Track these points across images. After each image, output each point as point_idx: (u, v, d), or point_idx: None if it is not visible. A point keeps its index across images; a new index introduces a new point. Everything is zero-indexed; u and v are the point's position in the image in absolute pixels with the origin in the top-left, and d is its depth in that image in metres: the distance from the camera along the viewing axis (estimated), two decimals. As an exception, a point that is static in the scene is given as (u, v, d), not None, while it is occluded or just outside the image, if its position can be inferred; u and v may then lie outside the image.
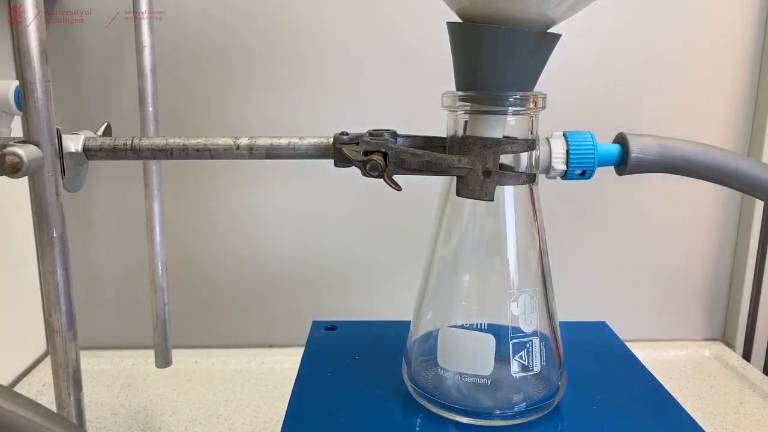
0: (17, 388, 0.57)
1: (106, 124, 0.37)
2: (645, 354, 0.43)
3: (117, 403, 0.55)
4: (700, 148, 0.34)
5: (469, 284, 0.34)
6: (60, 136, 0.31)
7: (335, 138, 0.33)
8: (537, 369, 0.33)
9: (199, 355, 0.64)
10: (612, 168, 0.36)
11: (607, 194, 0.64)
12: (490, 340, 0.33)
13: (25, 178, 0.30)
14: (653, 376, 0.39)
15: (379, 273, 0.65)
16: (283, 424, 0.33)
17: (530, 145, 0.33)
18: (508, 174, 0.32)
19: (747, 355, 0.66)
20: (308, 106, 0.61)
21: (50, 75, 0.29)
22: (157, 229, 0.49)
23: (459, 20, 0.32)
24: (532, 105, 0.32)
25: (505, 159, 0.32)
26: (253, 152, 0.33)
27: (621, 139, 0.35)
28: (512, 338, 0.33)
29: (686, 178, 0.35)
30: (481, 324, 0.33)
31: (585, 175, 0.35)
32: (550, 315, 0.35)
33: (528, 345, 0.33)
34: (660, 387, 0.38)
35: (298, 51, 0.59)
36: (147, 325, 0.51)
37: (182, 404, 0.55)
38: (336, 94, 0.60)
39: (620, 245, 0.65)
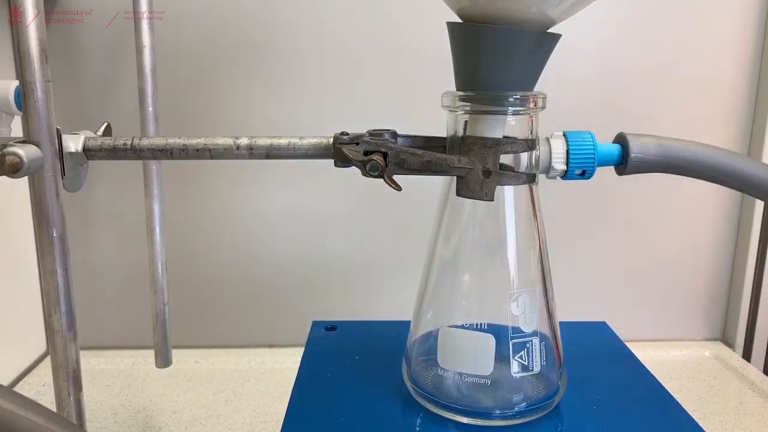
0: (17, 388, 0.57)
1: (106, 124, 0.37)
2: (645, 354, 0.43)
3: (117, 403, 0.55)
4: (700, 148, 0.34)
5: (469, 284, 0.34)
6: (60, 136, 0.31)
7: (335, 138, 0.33)
8: (537, 369, 0.33)
9: (199, 355, 0.64)
10: (612, 168, 0.36)
11: (607, 194, 0.64)
12: (490, 340, 0.33)
13: (25, 178, 0.30)
14: (653, 376, 0.39)
15: (379, 273, 0.65)
16: (283, 424, 0.33)
17: (530, 145, 0.33)
18: (508, 174, 0.32)
19: (747, 355, 0.66)
20: (308, 106, 0.61)
21: (50, 75, 0.29)
22: (157, 229, 0.49)
23: (459, 20, 0.32)
24: (532, 105, 0.32)
25: (505, 159, 0.32)
26: (253, 152, 0.33)
27: (621, 139, 0.35)
28: (512, 338, 0.33)
29: (686, 178, 0.35)
30: (481, 324, 0.33)
31: (585, 175, 0.35)
32: (550, 315, 0.35)
33: (528, 345, 0.33)
34: (660, 387, 0.38)
35: (298, 51, 0.59)
36: (147, 325, 0.51)
37: (182, 404, 0.55)
38: (336, 94, 0.60)
39: (620, 245, 0.65)
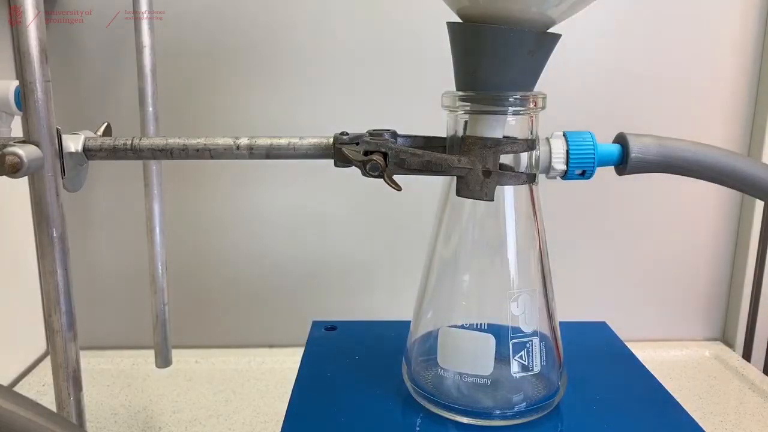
0: (17, 388, 0.57)
1: (106, 124, 0.37)
2: (645, 354, 0.43)
3: (117, 403, 0.55)
4: (700, 148, 0.34)
5: (469, 284, 0.34)
6: (60, 136, 0.31)
7: (335, 138, 0.33)
8: (537, 369, 0.33)
9: (199, 355, 0.64)
10: (612, 168, 0.36)
11: (607, 194, 0.64)
12: (490, 340, 0.33)
13: (25, 178, 0.30)
14: (653, 376, 0.39)
15: (379, 273, 0.65)
16: (283, 424, 0.33)
17: (530, 145, 0.33)
18: (508, 174, 0.32)
19: (747, 355, 0.66)
20: (308, 106, 0.61)
21: (50, 75, 0.29)
22: (157, 229, 0.49)
23: (459, 20, 0.32)
24: (532, 105, 0.32)
25: (505, 159, 0.32)
26: (253, 152, 0.33)
27: (621, 139, 0.35)
28: (512, 338, 0.33)
29: (686, 178, 0.35)
30: (481, 324, 0.33)
31: (585, 175, 0.35)
32: (550, 315, 0.35)
33: (528, 345, 0.33)
34: (660, 387, 0.38)
35: (298, 51, 0.59)
36: (147, 325, 0.51)
37: (182, 404, 0.55)
38: (336, 94, 0.60)
39: (620, 245, 0.65)
